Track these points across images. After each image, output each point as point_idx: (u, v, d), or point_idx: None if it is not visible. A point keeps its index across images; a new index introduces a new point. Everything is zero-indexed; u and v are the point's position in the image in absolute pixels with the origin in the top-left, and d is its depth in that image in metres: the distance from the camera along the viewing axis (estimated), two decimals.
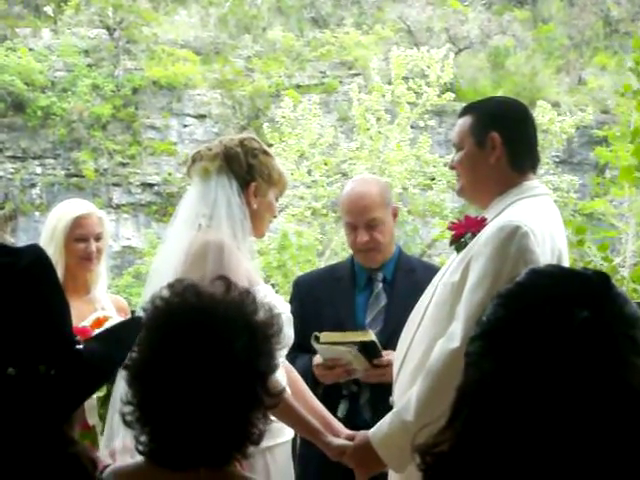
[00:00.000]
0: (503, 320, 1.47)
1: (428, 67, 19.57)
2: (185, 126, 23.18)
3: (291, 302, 3.67)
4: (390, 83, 19.53)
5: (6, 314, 1.66)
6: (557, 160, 21.04)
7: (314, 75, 23.73)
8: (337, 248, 18.32)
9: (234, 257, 3.06)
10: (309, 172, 19.12)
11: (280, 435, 3.11)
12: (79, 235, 3.78)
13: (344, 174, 18.68)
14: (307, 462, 3.60)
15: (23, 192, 22.15)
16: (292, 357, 3.40)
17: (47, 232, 3.81)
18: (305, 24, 25.27)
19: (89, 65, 23.24)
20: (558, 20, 25.70)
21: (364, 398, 3.62)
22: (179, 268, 3.05)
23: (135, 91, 23.15)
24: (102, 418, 3.33)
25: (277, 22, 24.94)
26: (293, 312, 3.22)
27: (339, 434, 3.13)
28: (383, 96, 19.30)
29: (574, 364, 1.39)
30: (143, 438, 2.04)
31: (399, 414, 2.80)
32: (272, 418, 2.18)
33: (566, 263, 2.87)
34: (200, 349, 1.99)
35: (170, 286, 2.10)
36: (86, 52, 23.48)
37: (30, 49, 23.01)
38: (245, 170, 3.24)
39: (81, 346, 1.77)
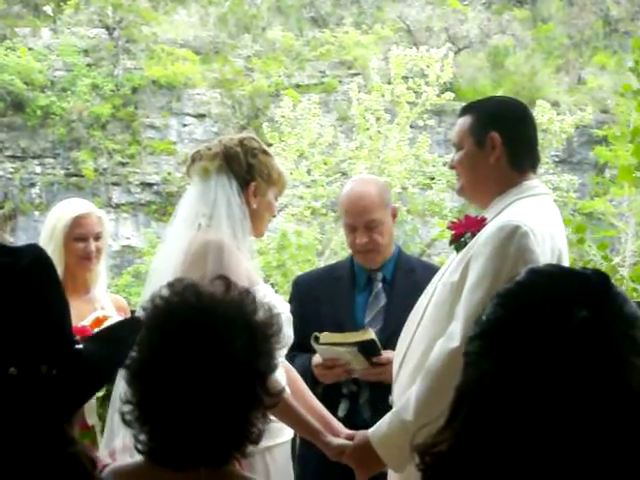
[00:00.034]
0: (502, 320, 1.47)
1: (427, 67, 19.57)
2: (184, 125, 23.18)
3: (290, 302, 3.67)
4: (389, 83, 19.54)
5: (7, 314, 1.66)
6: (557, 160, 21.04)
7: (313, 75, 23.73)
8: (336, 248, 18.32)
9: (234, 257, 3.06)
10: (308, 172, 19.13)
11: (280, 435, 3.11)
12: (78, 234, 3.78)
13: (343, 174, 18.69)
14: (306, 462, 3.60)
15: (22, 191, 22.15)
16: (291, 356, 3.40)
17: (46, 231, 3.81)
18: (304, 24, 25.27)
19: (88, 64, 23.23)
20: (558, 19, 25.70)
21: (363, 398, 3.62)
22: (179, 268, 3.05)
23: (134, 90, 23.15)
24: (101, 418, 3.33)
25: (277, 22, 24.94)
26: (292, 312, 3.22)
27: (339, 434, 3.12)
28: (382, 96, 19.30)
29: (573, 364, 1.39)
30: (142, 437, 2.05)
31: (398, 414, 2.80)
32: (272, 418, 2.18)
33: (566, 263, 2.87)
34: (200, 348, 1.99)
35: (170, 285, 2.10)
36: (85, 51, 23.48)
37: (29, 48, 23.01)
38: (245, 170, 3.24)
39: (81, 346, 1.77)
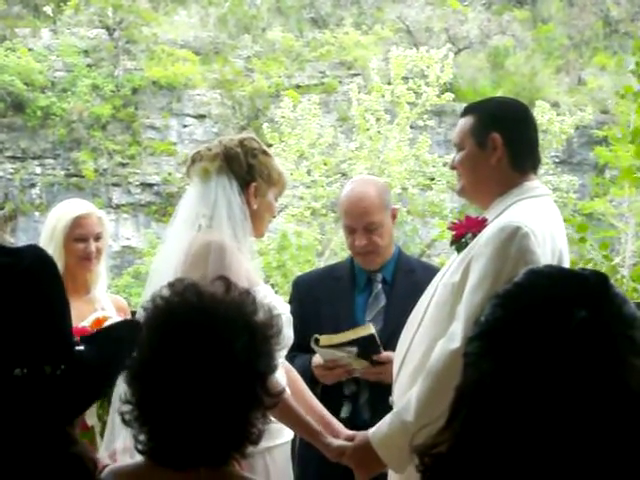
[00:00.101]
0: (501, 320, 1.47)
1: (427, 67, 19.58)
2: (185, 126, 23.18)
3: (290, 302, 3.67)
4: (389, 83, 19.54)
5: (9, 314, 1.66)
6: (557, 160, 21.04)
7: (314, 75, 23.73)
8: (336, 248, 18.32)
9: (235, 258, 3.06)
10: (309, 172, 19.13)
11: (279, 436, 3.11)
12: (79, 235, 3.78)
13: (344, 174, 18.69)
14: (306, 463, 3.60)
15: (23, 192, 22.15)
16: (291, 357, 3.40)
17: (47, 232, 3.81)
18: (304, 24, 25.27)
19: (89, 65, 23.24)
20: (558, 20, 25.70)
21: (363, 398, 3.62)
22: (179, 268, 3.05)
23: (135, 91, 23.15)
24: (100, 418, 3.33)
25: (277, 22, 24.94)
26: (292, 312, 3.21)
27: (339, 434, 3.12)
28: (382, 96, 19.30)
29: (572, 364, 1.39)
30: (142, 437, 2.05)
31: (399, 414, 2.80)
32: (271, 419, 2.18)
33: (567, 264, 2.87)
34: (200, 349, 1.99)
35: (170, 285, 2.10)
36: (86, 52, 23.48)
37: (30, 49, 23.01)
38: (245, 170, 3.24)
39: (82, 347, 1.77)
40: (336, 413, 3.41)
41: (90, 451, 1.84)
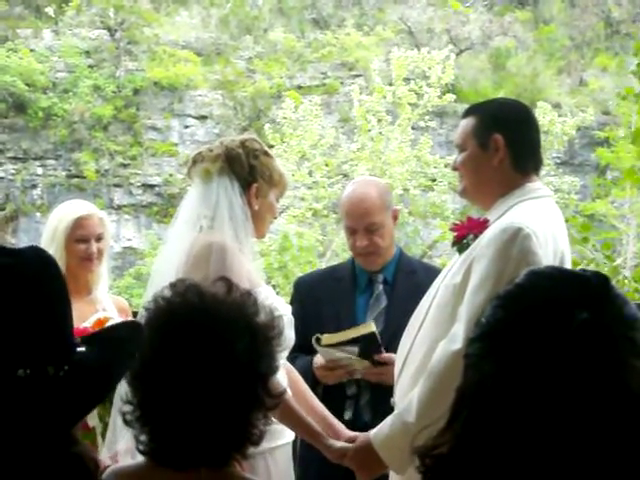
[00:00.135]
0: (502, 322, 1.47)
1: (429, 68, 19.59)
2: (186, 127, 23.19)
3: (292, 303, 3.67)
4: (391, 84, 19.55)
5: (12, 315, 1.66)
6: (558, 161, 21.04)
7: (315, 76, 23.74)
8: (338, 249, 18.32)
9: (236, 259, 3.06)
10: (310, 173, 19.14)
11: (281, 437, 3.11)
12: (80, 236, 3.78)
13: (345, 175, 18.69)
14: (308, 464, 3.60)
15: (24, 193, 22.16)
16: (292, 357, 3.40)
17: (48, 233, 3.81)
18: (306, 25, 25.28)
19: (90, 66, 23.25)
20: (559, 21, 25.71)
21: (364, 400, 3.62)
22: (180, 269, 3.05)
23: (136, 92, 23.17)
24: (102, 419, 3.33)
25: (278, 23, 24.95)
26: (294, 313, 3.22)
27: (340, 435, 3.12)
28: (384, 97, 19.31)
29: (573, 366, 1.39)
30: (143, 437, 2.05)
31: (400, 416, 2.80)
32: (273, 420, 2.18)
33: (568, 265, 2.87)
34: (201, 350, 1.99)
35: (172, 286, 2.10)
36: (87, 53, 23.50)
37: (31, 50, 23.03)
38: (247, 171, 3.24)
39: (83, 348, 1.77)
40: (337, 414, 3.41)
41: (91, 451, 1.84)
